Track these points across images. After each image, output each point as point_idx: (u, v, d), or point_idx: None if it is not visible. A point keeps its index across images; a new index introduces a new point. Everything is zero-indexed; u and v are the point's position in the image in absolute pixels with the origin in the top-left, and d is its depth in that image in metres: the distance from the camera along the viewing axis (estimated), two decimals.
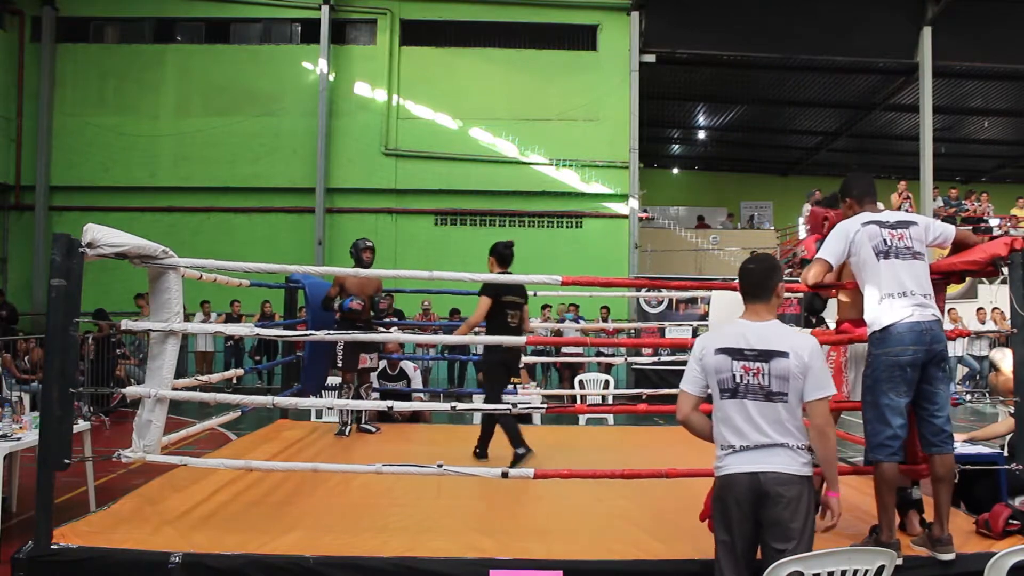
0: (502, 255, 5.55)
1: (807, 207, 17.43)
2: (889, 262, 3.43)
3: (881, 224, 3.50)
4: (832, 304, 4.32)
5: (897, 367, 3.34)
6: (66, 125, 16.09)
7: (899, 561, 3.06)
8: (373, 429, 6.81)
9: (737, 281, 3.06)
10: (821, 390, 2.83)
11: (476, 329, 5.69)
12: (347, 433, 6.57)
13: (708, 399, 2.96)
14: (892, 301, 3.38)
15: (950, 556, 3.37)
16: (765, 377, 2.81)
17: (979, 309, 13.95)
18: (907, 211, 16.63)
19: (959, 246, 3.78)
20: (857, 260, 3.50)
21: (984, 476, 4.45)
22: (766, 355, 2.83)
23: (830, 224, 4.17)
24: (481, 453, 5.66)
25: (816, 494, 3.76)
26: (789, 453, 2.79)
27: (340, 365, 6.64)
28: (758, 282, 2.96)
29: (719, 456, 2.89)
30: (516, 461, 5.17)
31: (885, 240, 3.45)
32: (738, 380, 2.84)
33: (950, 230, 3.63)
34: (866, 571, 2.56)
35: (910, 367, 3.34)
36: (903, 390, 3.36)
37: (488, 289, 5.43)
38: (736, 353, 2.86)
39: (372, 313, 6.72)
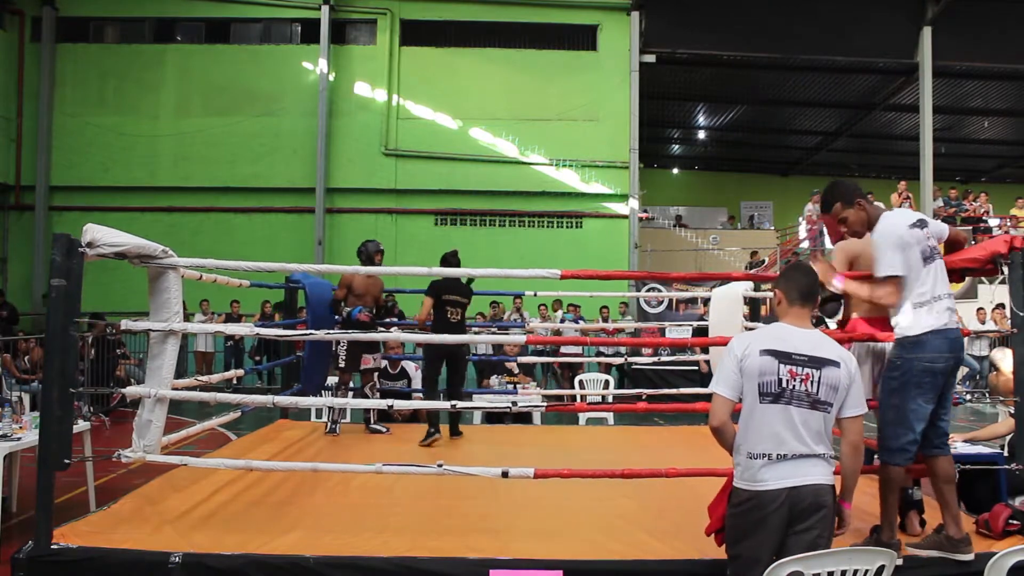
0: (448, 262, 6.27)
1: (809, 206, 17.41)
2: (931, 265, 3.37)
3: (920, 225, 3.41)
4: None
5: (930, 374, 3.31)
6: (66, 125, 16.09)
7: (899, 561, 3.06)
8: (383, 429, 6.80)
9: (781, 285, 2.96)
10: (859, 407, 2.82)
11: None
12: (337, 431, 6.58)
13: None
14: (931, 305, 3.34)
15: (969, 557, 3.34)
16: (814, 384, 2.74)
17: (979, 309, 13.95)
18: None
19: (951, 245, 3.77)
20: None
21: (984, 476, 4.44)
22: (818, 362, 2.75)
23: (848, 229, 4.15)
24: (433, 433, 6.17)
25: None
26: (823, 464, 2.75)
27: (342, 366, 6.65)
28: (809, 290, 2.91)
29: (748, 466, 2.77)
30: (426, 437, 6.13)
31: (927, 245, 3.38)
32: (784, 385, 2.74)
33: (945, 227, 3.63)
34: (866, 571, 2.55)
35: (941, 374, 3.33)
36: (931, 396, 3.34)
37: (430, 290, 6.31)
38: (784, 356, 2.75)
39: (376, 314, 6.79)
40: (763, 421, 2.75)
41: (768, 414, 2.75)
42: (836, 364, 2.76)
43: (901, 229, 3.36)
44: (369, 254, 6.69)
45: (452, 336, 6.11)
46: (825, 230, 14.43)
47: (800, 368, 2.75)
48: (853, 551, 2.60)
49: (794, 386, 2.74)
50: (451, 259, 6.27)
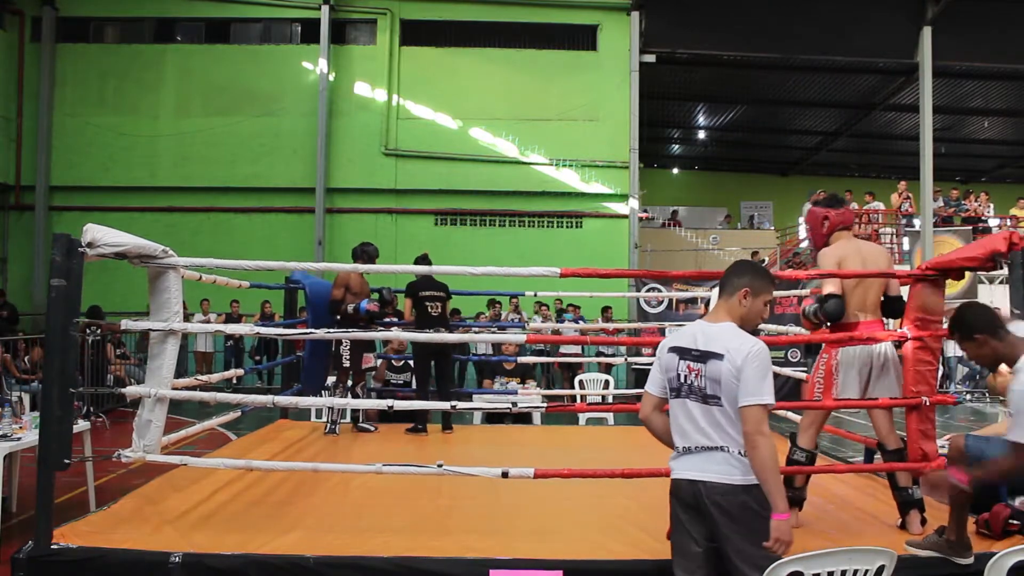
0: (423, 263, 6.61)
1: (808, 206, 17.41)
2: None
3: None
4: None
5: None
6: (66, 125, 16.08)
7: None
8: (371, 428, 6.84)
9: None
10: (751, 396, 2.66)
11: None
12: (337, 431, 6.58)
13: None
14: None
15: (968, 561, 3.35)
16: (702, 379, 2.74)
17: None
18: (907, 211, 16.70)
19: None
20: None
21: None
22: (704, 356, 2.75)
23: (830, 225, 4.17)
24: (420, 428, 6.72)
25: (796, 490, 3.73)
26: (729, 460, 2.70)
27: (346, 365, 6.67)
28: (724, 277, 2.91)
29: (671, 457, 2.87)
30: (411, 430, 6.74)
31: None
32: (682, 380, 2.80)
33: None
34: (866, 571, 2.56)
35: None
36: None
37: (407, 291, 6.95)
38: (684, 352, 2.81)
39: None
40: (674, 416, 2.85)
41: (675, 408, 2.84)
42: (719, 356, 2.72)
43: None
44: (371, 256, 6.82)
45: (451, 336, 6.21)
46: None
47: (694, 363, 2.78)
48: (853, 551, 2.59)
49: (691, 381, 2.78)
50: (423, 260, 6.75)
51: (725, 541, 2.66)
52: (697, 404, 2.76)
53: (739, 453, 2.71)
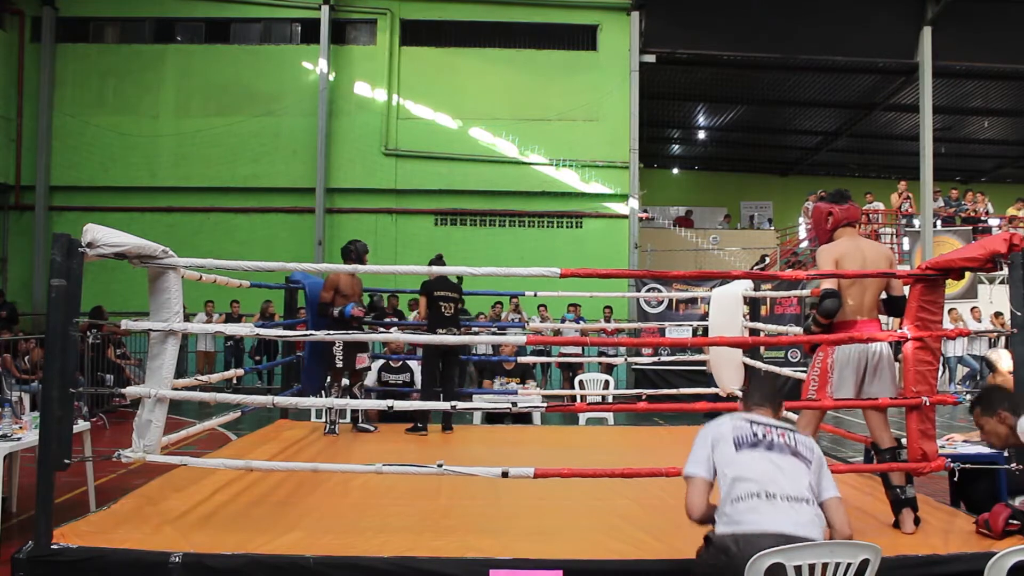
0: (433, 262, 6.73)
1: (809, 204, 17.38)
2: None
3: None
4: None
5: None
6: (66, 125, 16.07)
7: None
8: (371, 428, 6.84)
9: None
10: (836, 489, 2.83)
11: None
12: (336, 431, 6.59)
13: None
14: None
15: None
16: (791, 439, 2.81)
17: (973, 308, 13.90)
18: (907, 211, 16.68)
19: None
20: None
21: (984, 476, 4.44)
22: (789, 429, 2.86)
23: (835, 220, 4.17)
24: (420, 427, 6.73)
25: None
26: (815, 516, 2.67)
27: (340, 365, 6.67)
28: (771, 391, 3.09)
29: (726, 513, 2.66)
30: (413, 429, 6.77)
31: None
32: (760, 436, 2.79)
33: None
34: (848, 564, 2.52)
35: None
36: None
37: (422, 290, 7.02)
38: (755, 422, 2.86)
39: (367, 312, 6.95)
40: (747, 463, 2.72)
41: (750, 457, 2.74)
42: (806, 437, 2.87)
43: None
44: (360, 254, 6.81)
45: (450, 337, 6.23)
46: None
47: (774, 428, 2.84)
48: (835, 544, 2.57)
49: (772, 438, 2.79)
50: (437, 261, 6.78)
51: None
52: (784, 456, 2.75)
53: (819, 513, 2.72)
